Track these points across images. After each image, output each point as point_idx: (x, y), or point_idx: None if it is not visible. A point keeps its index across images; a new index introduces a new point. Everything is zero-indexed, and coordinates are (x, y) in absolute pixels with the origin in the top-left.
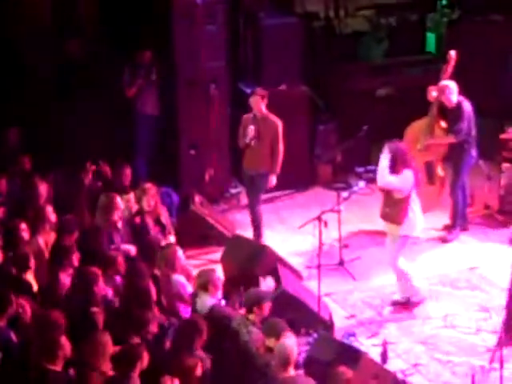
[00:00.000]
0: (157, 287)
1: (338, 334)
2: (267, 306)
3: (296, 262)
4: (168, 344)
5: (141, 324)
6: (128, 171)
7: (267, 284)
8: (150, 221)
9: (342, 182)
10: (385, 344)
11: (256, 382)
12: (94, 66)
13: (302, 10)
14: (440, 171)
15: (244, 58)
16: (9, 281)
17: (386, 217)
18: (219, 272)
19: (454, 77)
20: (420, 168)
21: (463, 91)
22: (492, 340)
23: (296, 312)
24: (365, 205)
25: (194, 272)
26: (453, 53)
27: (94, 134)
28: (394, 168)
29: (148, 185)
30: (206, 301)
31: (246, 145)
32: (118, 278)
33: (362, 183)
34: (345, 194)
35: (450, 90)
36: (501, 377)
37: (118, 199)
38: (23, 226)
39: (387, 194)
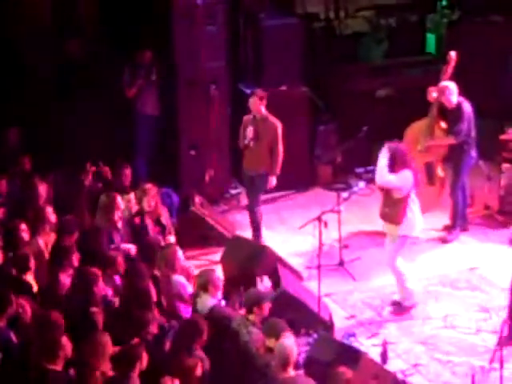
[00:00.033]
0: (157, 288)
1: (338, 335)
2: (267, 306)
3: (296, 262)
4: (168, 345)
5: (141, 325)
6: (128, 171)
7: (264, 284)
8: (149, 221)
9: (342, 183)
10: (385, 344)
11: (256, 382)
12: (94, 66)
13: (303, 11)
14: (440, 172)
15: (244, 59)
16: (9, 281)
17: (385, 217)
18: (219, 272)
19: (454, 78)
20: (420, 169)
21: (463, 92)
22: (492, 340)
23: (296, 312)
24: (365, 205)
25: (195, 272)
26: (453, 53)
27: (94, 134)
28: (393, 167)
29: (148, 185)
30: (207, 301)
31: (245, 146)
32: (118, 278)
33: (361, 184)
34: (345, 194)
35: (450, 91)
36: (501, 377)
37: (119, 199)
38: (23, 226)
39: (386, 194)
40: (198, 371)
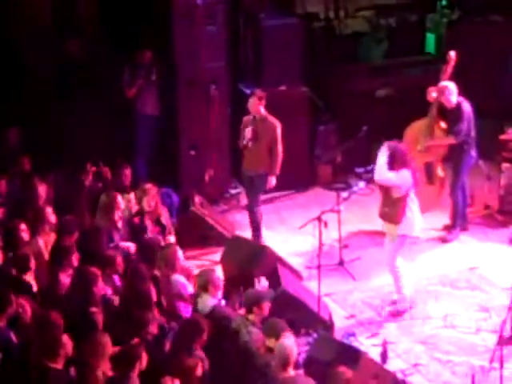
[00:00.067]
0: (157, 288)
1: (337, 334)
2: (267, 306)
3: (296, 262)
4: (168, 345)
5: (141, 325)
6: (128, 171)
7: (261, 285)
8: (149, 221)
9: (341, 183)
10: (385, 344)
11: (256, 382)
12: (94, 66)
13: (303, 11)
14: (440, 172)
15: (244, 59)
16: (9, 281)
17: (384, 216)
18: (219, 272)
19: (454, 77)
20: (420, 168)
21: (463, 92)
22: (492, 340)
23: (296, 312)
24: (365, 205)
25: (195, 272)
26: (452, 53)
27: (94, 134)
28: (392, 166)
29: (149, 185)
30: (207, 301)
31: (244, 146)
32: (117, 278)
33: (361, 183)
34: (345, 194)
35: (450, 91)
36: (501, 376)
37: (119, 198)
38: (23, 226)
39: (386, 193)
40: (199, 371)
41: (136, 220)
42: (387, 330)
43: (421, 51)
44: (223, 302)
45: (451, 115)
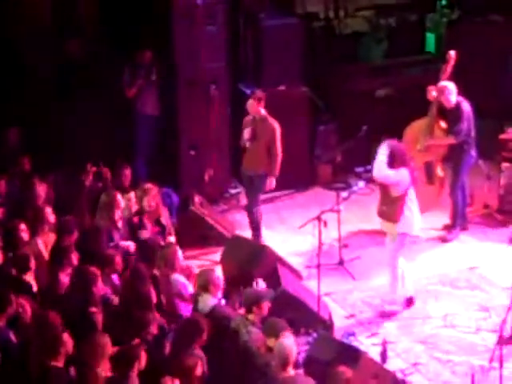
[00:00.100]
0: (156, 287)
1: (337, 334)
2: (266, 306)
3: (296, 261)
4: (168, 345)
5: (141, 326)
6: (128, 171)
7: (259, 287)
8: (148, 221)
9: (341, 182)
10: (384, 343)
11: (256, 381)
12: (94, 66)
13: (303, 11)
14: (440, 171)
15: (244, 59)
16: (9, 281)
17: (382, 215)
18: (219, 271)
19: (454, 77)
20: (419, 168)
21: (463, 91)
22: (492, 339)
23: (296, 312)
24: (364, 205)
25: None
26: (452, 53)
27: (94, 134)
28: (392, 164)
29: (149, 185)
30: (208, 300)
31: (243, 146)
32: (116, 277)
33: (361, 183)
34: (344, 193)
35: (449, 91)
36: (500, 376)
37: (119, 197)
38: (23, 226)
39: (384, 192)
40: (198, 371)
41: (135, 220)
42: (387, 329)
43: (421, 51)
44: (223, 302)
45: (451, 115)
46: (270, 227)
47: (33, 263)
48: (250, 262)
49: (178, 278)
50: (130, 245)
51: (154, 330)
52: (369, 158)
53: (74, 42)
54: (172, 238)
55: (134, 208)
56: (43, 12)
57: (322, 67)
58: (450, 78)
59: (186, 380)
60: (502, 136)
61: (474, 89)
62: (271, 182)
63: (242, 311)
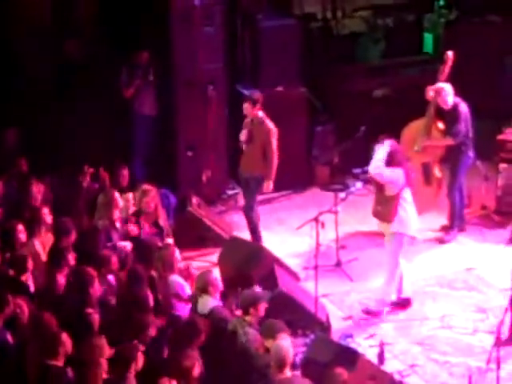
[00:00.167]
0: (153, 288)
1: (334, 335)
2: (263, 307)
3: (293, 262)
4: (165, 346)
5: (140, 328)
6: (125, 172)
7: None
8: (145, 222)
9: (339, 183)
10: (382, 345)
11: (256, 383)
12: (93, 67)
13: (300, 12)
14: (437, 172)
15: (242, 60)
16: (6, 282)
17: (377, 214)
18: (216, 272)
19: (451, 78)
20: (417, 169)
21: (460, 92)
22: (489, 341)
23: (293, 313)
24: (362, 206)
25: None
26: (450, 53)
27: (93, 134)
28: (389, 163)
29: (148, 186)
30: (208, 302)
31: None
32: (112, 277)
33: (359, 184)
34: (342, 194)
35: (446, 93)
36: (497, 377)
37: (117, 195)
38: (20, 227)
39: (379, 191)
40: (196, 372)
41: (132, 220)
42: (384, 331)
43: (418, 51)
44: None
45: (448, 116)
46: (267, 228)
47: (30, 264)
48: (248, 263)
49: (176, 279)
50: (127, 245)
51: (152, 332)
52: (367, 159)
53: (71, 42)
54: (170, 240)
55: (132, 209)
56: (43, 12)
57: (320, 68)
58: (448, 79)
59: (184, 381)
60: (500, 137)
61: (472, 89)
62: (268, 186)
63: (238, 312)
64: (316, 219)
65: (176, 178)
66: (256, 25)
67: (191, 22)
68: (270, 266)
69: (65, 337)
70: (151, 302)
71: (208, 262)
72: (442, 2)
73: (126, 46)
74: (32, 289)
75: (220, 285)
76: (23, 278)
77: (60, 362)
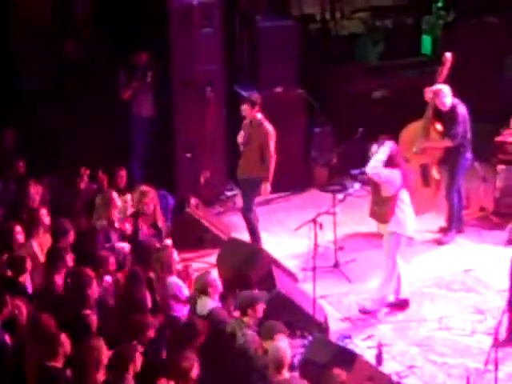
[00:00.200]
0: (151, 290)
1: (333, 337)
2: (261, 308)
3: (291, 264)
4: (164, 347)
5: (139, 330)
6: (123, 173)
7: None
8: (143, 224)
9: (337, 184)
10: (380, 346)
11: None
12: (93, 67)
13: (299, 13)
14: (435, 174)
15: (240, 61)
16: (4, 283)
17: (374, 215)
18: (215, 274)
19: (450, 79)
20: (415, 170)
21: (458, 93)
22: (487, 342)
23: (291, 314)
24: (360, 207)
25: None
26: (448, 55)
27: (93, 134)
28: (388, 164)
29: (146, 187)
30: (207, 303)
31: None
32: (109, 277)
33: (357, 185)
34: (340, 196)
35: (444, 94)
36: (495, 378)
37: (115, 195)
38: (18, 228)
39: (376, 192)
40: (194, 373)
41: (129, 222)
42: (382, 332)
43: (417, 53)
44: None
45: (446, 118)
46: (266, 229)
47: (28, 265)
48: (246, 264)
49: (174, 280)
50: (125, 246)
51: (150, 333)
52: (365, 161)
53: (71, 42)
54: (168, 241)
55: (130, 210)
56: (43, 12)
57: (318, 69)
58: (446, 80)
59: (182, 382)
60: (498, 138)
61: (470, 91)
62: (265, 189)
63: (236, 314)
64: (314, 220)
65: (174, 180)
66: (254, 26)
67: (190, 22)
68: (268, 267)
69: (64, 338)
70: (149, 304)
71: (206, 264)
72: (440, 4)
73: (125, 47)
74: (30, 290)
75: (219, 286)
76: (21, 278)
77: (59, 363)
